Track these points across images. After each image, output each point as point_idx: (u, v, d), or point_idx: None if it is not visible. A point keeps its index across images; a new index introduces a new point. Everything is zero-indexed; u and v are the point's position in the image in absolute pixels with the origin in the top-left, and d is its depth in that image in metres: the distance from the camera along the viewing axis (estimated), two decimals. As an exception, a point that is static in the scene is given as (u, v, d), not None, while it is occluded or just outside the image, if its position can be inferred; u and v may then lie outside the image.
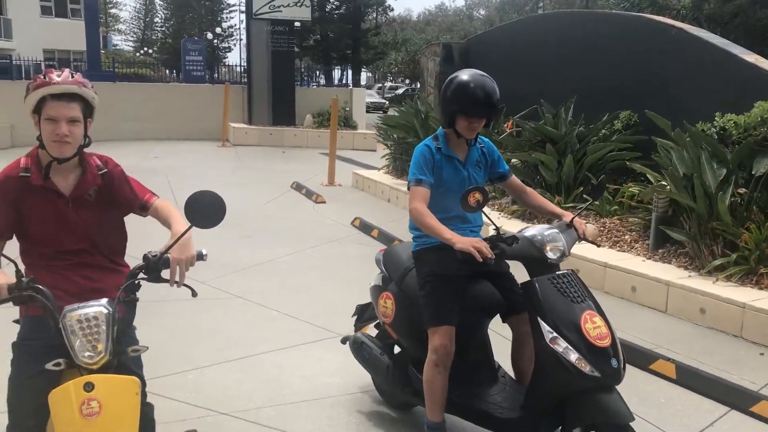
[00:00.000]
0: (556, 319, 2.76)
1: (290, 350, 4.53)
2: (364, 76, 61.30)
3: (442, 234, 2.92)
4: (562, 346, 2.71)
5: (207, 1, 63.90)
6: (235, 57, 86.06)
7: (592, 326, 2.73)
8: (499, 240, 2.88)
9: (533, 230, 3.00)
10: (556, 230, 2.98)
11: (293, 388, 3.97)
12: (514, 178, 3.45)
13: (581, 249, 4.72)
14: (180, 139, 17.80)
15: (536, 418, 2.89)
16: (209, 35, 54.01)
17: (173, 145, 16.82)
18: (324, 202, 9.90)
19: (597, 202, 7.31)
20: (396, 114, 12.12)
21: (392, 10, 52.01)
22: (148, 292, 2.43)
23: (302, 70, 25.82)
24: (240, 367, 4.23)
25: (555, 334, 2.73)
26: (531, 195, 3.44)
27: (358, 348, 3.70)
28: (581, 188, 7.64)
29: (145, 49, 65.95)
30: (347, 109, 18.87)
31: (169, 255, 2.32)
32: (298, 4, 18.35)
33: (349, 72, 39.94)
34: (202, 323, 4.95)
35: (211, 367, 4.21)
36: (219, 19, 64.59)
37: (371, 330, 3.88)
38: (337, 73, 41.85)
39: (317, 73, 37.10)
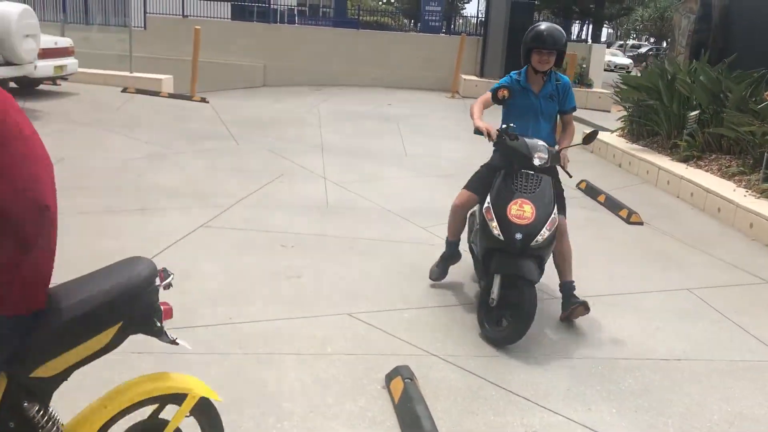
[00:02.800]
0: (495, 197, 4.05)
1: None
2: (605, 32, 57.84)
3: (473, 117, 4.28)
4: (490, 214, 4.00)
5: (451, -49, 63.89)
6: (473, 8, 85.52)
7: (517, 208, 3.90)
8: (506, 133, 4.11)
9: (534, 141, 4.11)
10: (545, 148, 4.08)
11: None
12: (570, 116, 4.54)
13: None
14: (413, 88, 18.22)
15: (476, 263, 4.44)
16: (450, -14, 54.17)
17: (406, 93, 17.28)
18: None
19: None
20: (638, 74, 11.27)
21: (647, -39, 48.06)
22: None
23: (540, 23, 24.90)
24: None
25: (488, 205, 4.05)
26: (565, 130, 4.53)
27: None
28: None
29: (388, -2, 67.92)
30: (584, 66, 17.99)
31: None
32: (544, -46, 17.62)
33: (589, 27, 37.81)
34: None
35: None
36: (461, -31, 64.39)
37: None
38: (575, 28, 39.89)
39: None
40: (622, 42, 58.45)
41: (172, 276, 2.15)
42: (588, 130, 5.06)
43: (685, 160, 8.70)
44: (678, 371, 3.81)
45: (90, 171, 7.19)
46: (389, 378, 3.37)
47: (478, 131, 4.18)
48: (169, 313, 2.12)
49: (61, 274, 4.28)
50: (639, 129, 10.22)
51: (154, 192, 6.58)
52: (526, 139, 4.10)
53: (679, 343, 4.16)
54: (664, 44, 60.69)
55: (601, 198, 7.54)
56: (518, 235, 3.84)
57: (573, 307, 4.17)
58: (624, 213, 6.96)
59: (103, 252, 4.91)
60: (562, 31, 4.31)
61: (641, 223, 6.75)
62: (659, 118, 9.62)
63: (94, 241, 5.12)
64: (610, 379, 3.66)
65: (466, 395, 3.38)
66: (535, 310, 3.84)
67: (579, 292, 4.35)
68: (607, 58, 36.27)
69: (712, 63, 9.87)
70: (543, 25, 4.32)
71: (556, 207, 4.01)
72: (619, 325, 4.36)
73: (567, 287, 4.32)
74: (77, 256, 4.80)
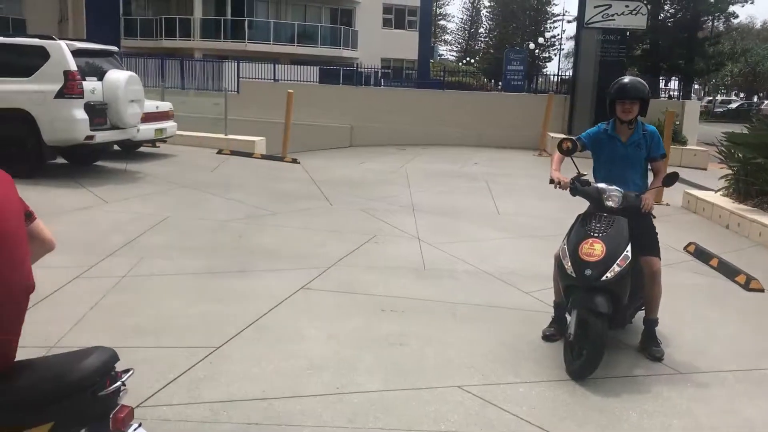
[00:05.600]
0: (569, 238, 4.41)
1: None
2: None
3: (551, 168, 4.68)
4: (564, 253, 4.35)
5: (532, 11, 64.46)
6: (554, 67, 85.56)
7: (588, 247, 4.19)
8: (577, 180, 4.54)
9: (605, 186, 4.47)
10: (619, 192, 4.40)
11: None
12: (659, 163, 4.73)
13: None
14: (498, 146, 18.09)
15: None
16: (531, 45, 54.39)
17: (491, 152, 17.15)
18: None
19: None
20: (745, 132, 10.76)
21: (737, 17, 46.95)
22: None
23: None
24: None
25: (564, 246, 4.41)
26: (656, 177, 4.73)
27: None
28: None
29: (467, 58, 68.84)
30: (677, 122, 17.44)
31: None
32: (633, 12, 17.41)
33: (675, 83, 36.90)
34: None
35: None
36: (542, 29, 64.72)
37: None
38: (668, 84, 39.02)
39: (641, 84, 34.83)
40: (710, 97, 56.81)
41: (125, 377, 2.00)
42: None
43: (802, 221, 8.12)
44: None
45: (190, 231, 7.33)
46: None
47: (551, 181, 4.62)
48: (120, 422, 1.96)
49: (163, 336, 4.26)
50: (747, 188, 9.67)
51: (253, 253, 6.62)
52: (599, 185, 4.52)
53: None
54: (755, 99, 58.61)
55: (714, 262, 7.08)
56: (588, 271, 4.13)
57: (647, 350, 4.56)
58: (742, 279, 6.49)
59: (204, 314, 4.91)
60: (644, 82, 4.65)
61: (762, 290, 6.27)
62: (770, 176, 9.09)
63: (195, 304, 5.13)
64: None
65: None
66: (602, 342, 4.04)
67: (707, 367, 4.28)
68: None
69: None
70: (626, 78, 4.67)
71: (630, 246, 4.24)
72: (765, 408, 3.96)
73: (649, 323, 4.64)
74: (179, 317, 4.81)
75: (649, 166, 4.81)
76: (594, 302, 4.09)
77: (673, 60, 37.54)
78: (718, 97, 52.62)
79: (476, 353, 4.46)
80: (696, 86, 61.25)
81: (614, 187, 4.46)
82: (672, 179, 4.53)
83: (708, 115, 42.74)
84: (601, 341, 4.04)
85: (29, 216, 2.14)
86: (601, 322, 4.07)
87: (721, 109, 48.07)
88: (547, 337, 4.74)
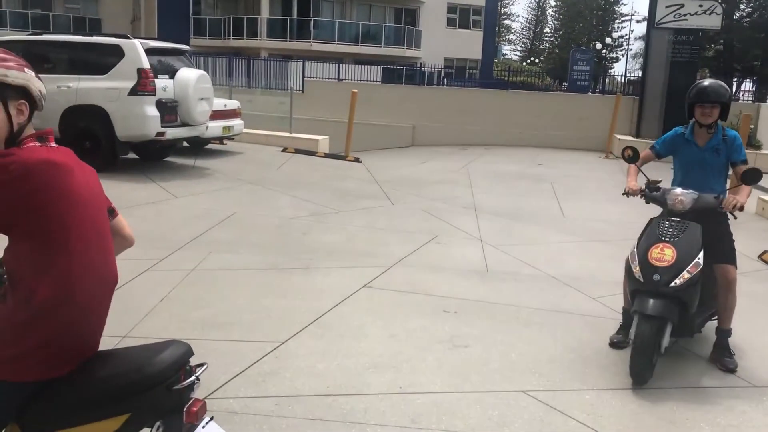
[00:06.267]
0: (640, 242, 4.32)
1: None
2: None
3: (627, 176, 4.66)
4: (633, 257, 4.25)
5: (600, 11, 63.14)
6: (621, 67, 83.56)
7: (658, 252, 4.09)
8: (648, 186, 4.50)
9: (674, 188, 4.42)
10: (690, 195, 4.30)
11: None
12: (740, 168, 4.44)
13: None
14: (562, 147, 17.78)
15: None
16: (598, 45, 53.27)
17: (556, 153, 16.87)
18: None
19: None
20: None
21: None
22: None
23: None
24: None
25: (633, 250, 4.30)
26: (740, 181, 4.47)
27: None
28: None
29: (532, 58, 67.90)
30: (752, 126, 16.78)
31: None
32: (708, 12, 16.83)
33: (750, 85, 35.54)
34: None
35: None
36: (609, 29, 63.30)
37: None
38: (743, 86, 37.65)
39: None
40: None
41: (200, 371, 2.02)
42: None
43: None
44: None
45: (256, 227, 7.47)
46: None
47: (624, 192, 4.62)
48: (194, 416, 1.97)
49: (230, 330, 4.33)
50: (827, 196, 9.24)
51: (317, 250, 6.69)
52: (669, 188, 4.46)
53: None
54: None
55: (791, 272, 6.79)
56: (656, 276, 4.04)
57: (719, 361, 4.41)
58: (822, 290, 6.20)
59: (270, 309, 4.99)
60: (725, 86, 4.52)
61: (842, 303, 5.98)
62: None
63: (261, 299, 5.22)
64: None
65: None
66: (648, 346, 3.94)
67: None
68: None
69: None
70: (706, 81, 4.54)
71: (702, 253, 4.14)
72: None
73: (721, 333, 4.48)
74: (245, 312, 4.90)
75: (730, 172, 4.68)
76: (646, 305, 4.01)
77: (748, 61, 36.16)
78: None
79: (541, 358, 4.39)
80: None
81: (682, 190, 4.38)
82: (753, 176, 4.26)
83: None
84: (644, 344, 3.95)
85: (112, 212, 2.22)
86: (650, 325, 3.97)
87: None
88: (614, 344, 4.63)
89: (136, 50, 9.75)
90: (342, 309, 5.09)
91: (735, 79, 37.08)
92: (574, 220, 8.96)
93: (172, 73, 10.26)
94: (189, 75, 10.34)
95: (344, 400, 3.67)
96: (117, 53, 9.80)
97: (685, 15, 16.94)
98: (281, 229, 7.47)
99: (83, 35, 10.93)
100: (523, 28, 74.90)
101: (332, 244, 7.00)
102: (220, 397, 3.62)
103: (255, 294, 5.33)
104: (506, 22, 73.28)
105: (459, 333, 4.74)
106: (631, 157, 4.55)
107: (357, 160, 13.25)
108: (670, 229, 4.23)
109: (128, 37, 10.09)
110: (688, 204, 4.30)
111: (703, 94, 4.43)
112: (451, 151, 17.06)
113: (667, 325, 4.07)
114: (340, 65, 22.70)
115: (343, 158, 13.35)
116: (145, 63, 9.71)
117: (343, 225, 7.84)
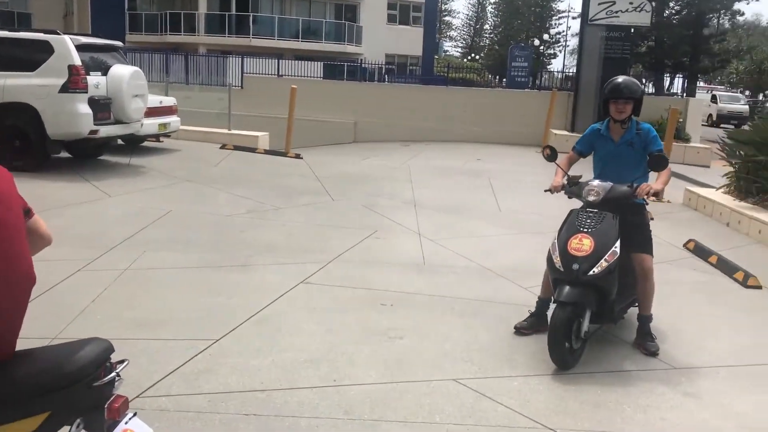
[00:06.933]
0: (560, 232, 4.46)
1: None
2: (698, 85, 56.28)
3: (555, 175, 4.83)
4: (554, 247, 4.41)
5: (538, 8, 64.34)
6: (559, 64, 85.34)
7: (577, 242, 4.26)
8: (568, 182, 4.72)
9: (594, 181, 4.60)
10: (601, 184, 4.51)
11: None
12: (657, 155, 4.57)
13: None
14: (500, 143, 18.08)
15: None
16: (536, 42, 54.30)
17: (494, 148, 17.16)
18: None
19: None
20: (747, 128, 10.77)
21: (742, 14, 46.70)
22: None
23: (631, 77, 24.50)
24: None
25: (554, 241, 4.45)
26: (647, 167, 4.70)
27: None
28: None
29: (472, 55, 68.74)
30: (680, 120, 17.43)
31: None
32: (638, 9, 17.37)
33: (679, 81, 36.88)
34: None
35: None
36: (547, 25, 64.59)
37: None
38: (674, 82, 38.98)
39: (644, 81, 34.91)
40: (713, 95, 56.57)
41: (120, 368, 2.03)
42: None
43: (802, 219, 8.13)
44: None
45: (192, 226, 7.39)
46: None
47: (546, 189, 4.82)
48: (115, 411, 1.98)
49: (164, 329, 4.31)
50: (747, 186, 9.68)
51: (254, 247, 6.67)
52: (585, 182, 4.64)
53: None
54: (761, 96, 58.43)
55: (713, 259, 7.11)
56: (575, 266, 4.19)
57: (642, 345, 4.59)
58: (740, 276, 6.51)
59: (205, 307, 4.96)
60: (638, 82, 4.73)
61: (760, 287, 6.29)
62: (771, 174, 9.09)
63: (196, 297, 5.19)
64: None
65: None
66: (560, 331, 4.08)
67: (703, 362, 4.29)
68: (725, 105, 35.06)
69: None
70: (619, 78, 4.67)
71: (619, 242, 4.31)
72: (756, 402, 3.99)
73: (642, 319, 4.69)
74: (179, 311, 4.87)
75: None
76: (561, 292, 4.17)
77: (678, 57, 37.47)
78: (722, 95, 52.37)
79: (473, 347, 4.50)
80: (701, 83, 61.12)
81: (599, 182, 4.54)
82: (658, 162, 4.50)
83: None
84: (556, 329, 4.10)
85: (27, 213, 2.18)
86: (563, 311, 4.11)
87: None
88: (517, 330, 4.76)
89: (66, 46, 9.49)
90: (279, 305, 5.11)
91: (666, 75, 38.38)
92: (509, 213, 9.16)
93: (105, 70, 10.03)
94: (122, 71, 10.13)
95: (278, 394, 3.69)
96: (46, 49, 9.52)
97: (616, 12, 17.44)
98: (218, 227, 7.42)
99: (10, 30, 10.56)
100: (463, 25, 75.75)
101: (271, 240, 6.99)
102: (152, 395, 3.59)
103: (190, 292, 5.29)
104: (447, 18, 74.02)
105: (394, 326, 4.81)
106: (549, 155, 4.72)
107: (298, 156, 13.21)
108: (588, 220, 4.39)
109: (58, 33, 9.82)
110: (602, 193, 4.46)
111: (617, 91, 4.59)
112: (393, 147, 17.16)
113: (586, 312, 4.23)
114: (281, 61, 22.57)
115: (284, 155, 13.30)
116: (76, 59, 9.46)
117: (283, 222, 7.83)
